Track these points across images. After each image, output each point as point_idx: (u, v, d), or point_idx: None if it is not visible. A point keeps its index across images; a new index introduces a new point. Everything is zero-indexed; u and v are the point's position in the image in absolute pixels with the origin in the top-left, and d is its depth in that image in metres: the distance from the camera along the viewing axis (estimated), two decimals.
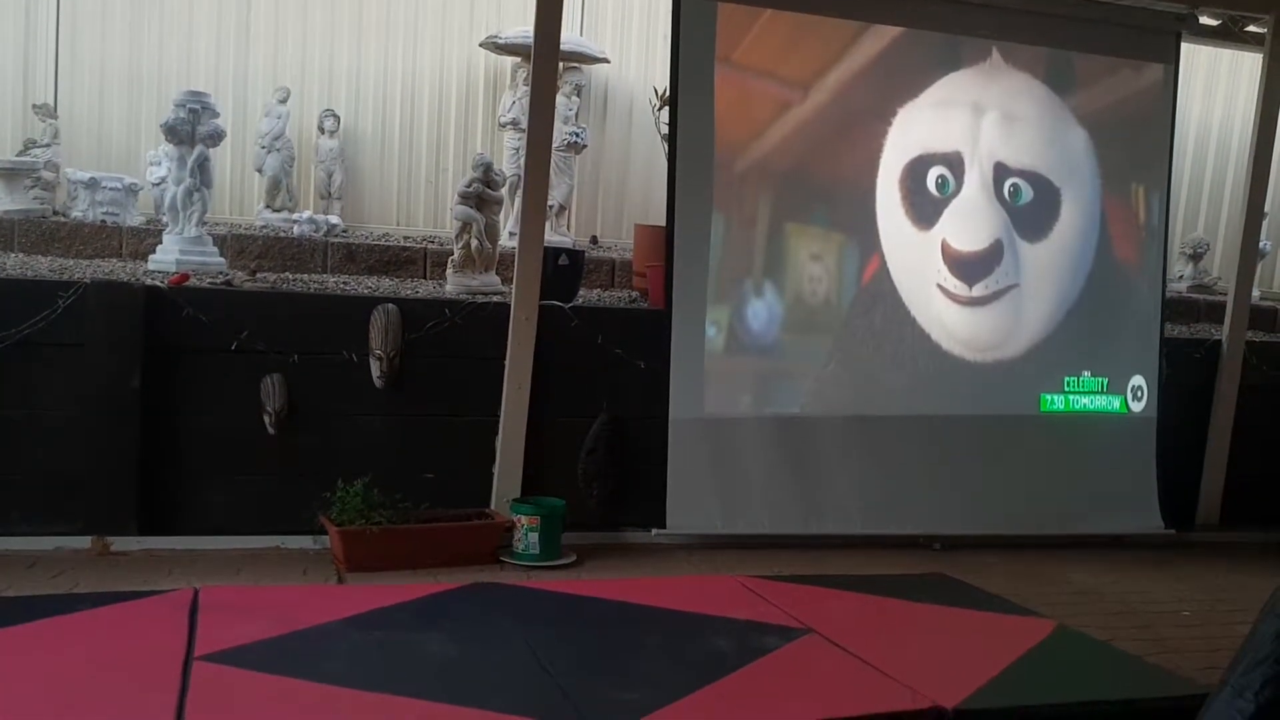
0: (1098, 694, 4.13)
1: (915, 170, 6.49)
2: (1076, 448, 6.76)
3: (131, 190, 7.30)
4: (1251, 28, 7.30)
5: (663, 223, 6.22)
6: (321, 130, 7.75)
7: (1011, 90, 6.70)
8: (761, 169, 6.30)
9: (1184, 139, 8.73)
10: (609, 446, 6.04)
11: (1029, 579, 5.81)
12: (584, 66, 8.13)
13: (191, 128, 6.15)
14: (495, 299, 6.12)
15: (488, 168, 6.39)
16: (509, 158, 7.70)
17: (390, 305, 5.76)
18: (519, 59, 7.77)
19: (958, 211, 6.56)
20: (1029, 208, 6.72)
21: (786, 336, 6.32)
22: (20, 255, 6.73)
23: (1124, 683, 4.36)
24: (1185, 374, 7.12)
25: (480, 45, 7.96)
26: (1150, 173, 7.07)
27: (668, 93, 6.30)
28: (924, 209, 6.51)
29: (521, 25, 7.35)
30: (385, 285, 6.65)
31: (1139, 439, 6.94)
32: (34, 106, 7.41)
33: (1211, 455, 7.21)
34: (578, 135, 7.78)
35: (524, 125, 6.52)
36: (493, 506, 5.81)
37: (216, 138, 6.29)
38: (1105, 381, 6.89)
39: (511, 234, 6.92)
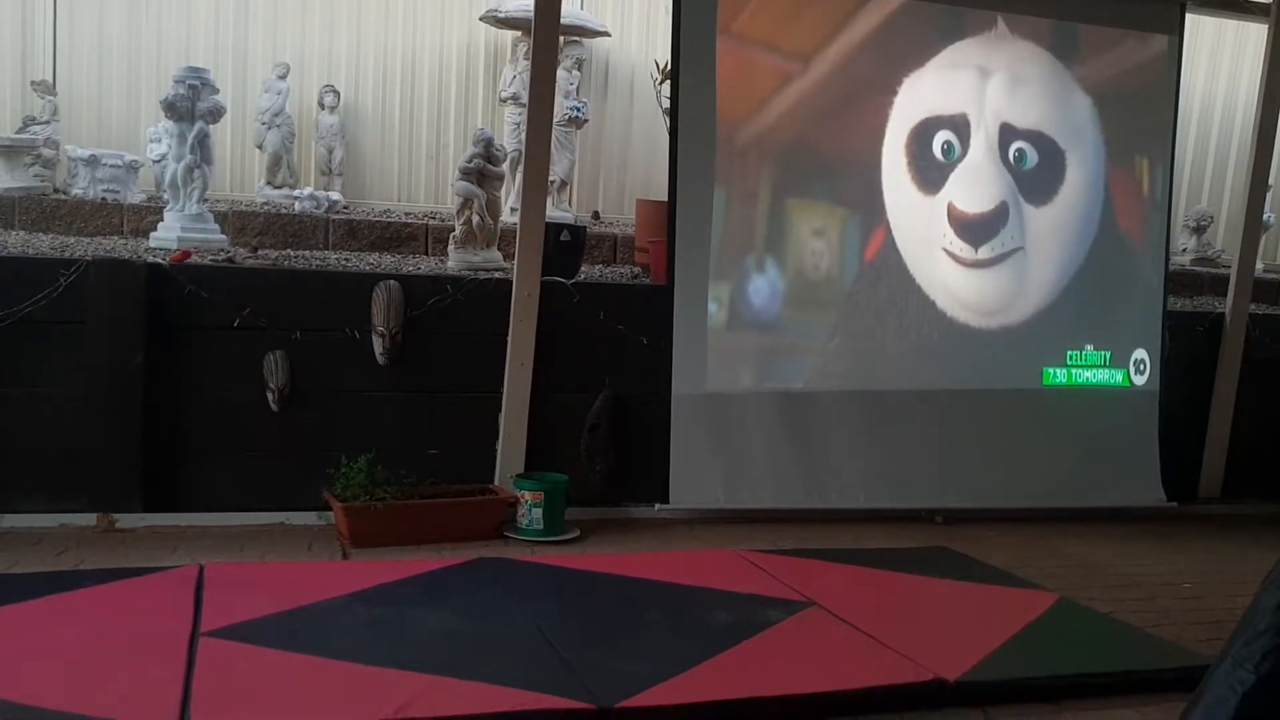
0: (1099, 666, 4.15)
1: (921, 135, 6.49)
2: (1079, 421, 6.76)
3: (132, 167, 7.28)
4: None
5: (664, 198, 6.20)
6: (322, 106, 7.73)
7: (1017, 57, 6.67)
8: (764, 142, 6.27)
9: (1188, 110, 8.69)
10: (611, 422, 6.05)
11: (1031, 552, 5.83)
12: (585, 40, 8.09)
13: (191, 104, 6.13)
14: (497, 275, 6.11)
15: (489, 143, 6.37)
16: (510, 133, 7.67)
17: (392, 282, 5.76)
18: (519, 33, 7.74)
19: (963, 175, 6.56)
20: (1034, 171, 6.71)
21: (789, 311, 6.31)
22: (21, 233, 6.72)
23: (1125, 655, 4.39)
24: (1188, 347, 7.12)
25: (480, 19, 7.92)
26: (1154, 144, 7.04)
27: (669, 66, 6.26)
28: (930, 174, 6.50)
29: None
30: (387, 261, 6.64)
31: (1141, 412, 6.94)
32: (33, 83, 7.38)
33: (1214, 428, 7.22)
34: (579, 110, 7.74)
35: (525, 100, 6.49)
36: (496, 482, 5.82)
37: (216, 114, 6.27)
38: (1108, 355, 6.89)
39: (513, 210, 6.90)
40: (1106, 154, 6.91)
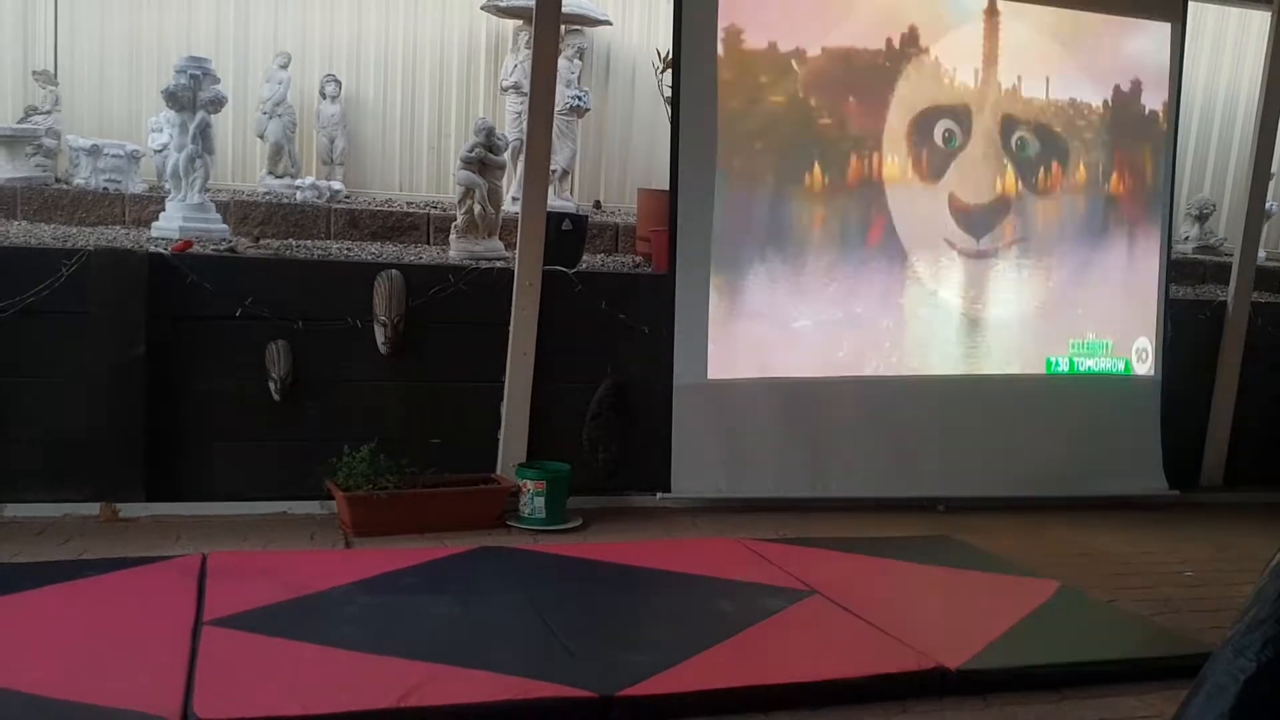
0: (1101, 654, 4.16)
1: (922, 124, 6.49)
2: (1081, 409, 6.76)
3: (134, 157, 7.27)
4: None
5: (666, 187, 6.19)
6: (323, 95, 7.71)
7: (1019, 45, 6.65)
8: (765, 131, 6.26)
9: (1191, 98, 8.65)
10: (614, 411, 6.05)
11: (1033, 540, 5.83)
12: (586, 29, 8.06)
13: (193, 94, 6.12)
14: (499, 264, 6.11)
15: (490, 132, 6.36)
16: (511, 122, 7.65)
17: (394, 271, 5.76)
18: (521, 22, 7.71)
19: (965, 164, 6.56)
20: (1036, 160, 6.72)
21: (790, 300, 6.30)
22: (23, 223, 6.72)
23: (1127, 643, 4.40)
24: (1190, 335, 7.11)
25: (482, 8, 7.89)
26: (1156, 132, 7.03)
27: (670, 55, 6.25)
28: (931, 163, 6.51)
29: None
30: (389, 251, 6.64)
31: (1144, 400, 6.94)
32: (34, 73, 7.36)
33: (1216, 416, 7.21)
34: (580, 99, 7.73)
35: (526, 89, 6.47)
36: (498, 471, 5.83)
37: (218, 104, 6.26)
38: (1110, 343, 6.89)
39: (514, 199, 6.89)
40: (1108, 142, 6.90)
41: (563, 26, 6.75)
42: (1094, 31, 6.83)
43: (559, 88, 6.60)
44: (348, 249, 6.63)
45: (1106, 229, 6.89)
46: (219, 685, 3.36)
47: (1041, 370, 6.75)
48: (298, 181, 7.38)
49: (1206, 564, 5.60)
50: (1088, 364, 6.84)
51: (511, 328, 5.83)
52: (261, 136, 7.57)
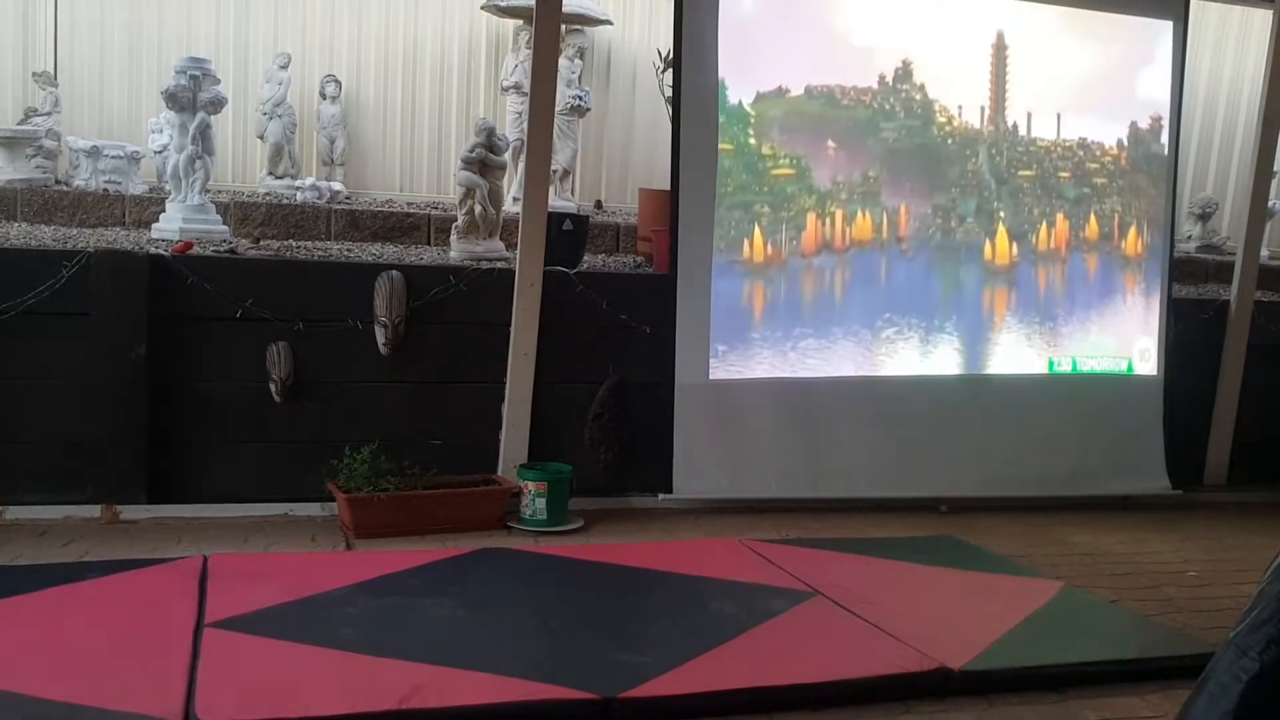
0: (1104, 654, 4.15)
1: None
2: (1084, 409, 6.75)
3: (134, 158, 7.27)
4: None
5: (667, 187, 6.18)
6: (323, 96, 7.71)
7: (1024, 44, 6.63)
8: (767, 130, 6.25)
9: (1193, 97, 8.64)
10: (615, 412, 6.04)
11: (1036, 540, 5.82)
12: (587, 29, 8.06)
13: (192, 94, 6.12)
14: (500, 265, 6.10)
15: (490, 132, 6.36)
16: (512, 122, 7.65)
17: (394, 272, 5.75)
18: (521, 22, 7.71)
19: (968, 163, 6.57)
20: (1039, 158, 6.73)
21: (792, 300, 6.28)
22: (23, 224, 6.72)
23: (1130, 643, 4.39)
24: (1193, 334, 7.10)
25: (482, 8, 7.89)
26: (1159, 130, 7.01)
27: (671, 55, 6.24)
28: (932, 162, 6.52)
29: None
30: (389, 252, 6.63)
31: (1146, 400, 6.92)
32: (34, 75, 7.37)
33: (1219, 416, 7.20)
34: (581, 99, 7.72)
35: (527, 89, 6.47)
36: (500, 472, 5.82)
37: (218, 104, 6.25)
38: (1113, 343, 6.87)
39: (515, 199, 6.89)
40: (1111, 140, 6.88)
41: (563, 26, 6.74)
42: (1097, 29, 6.80)
43: (560, 87, 6.60)
44: (348, 250, 6.63)
45: (1109, 227, 6.88)
46: (220, 687, 3.36)
47: (1044, 370, 6.74)
48: (298, 182, 7.38)
49: (1209, 564, 5.59)
50: (1090, 364, 6.83)
51: (512, 328, 5.83)
52: (262, 137, 7.57)
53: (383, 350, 5.70)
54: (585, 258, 6.53)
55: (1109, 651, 4.20)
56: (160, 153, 6.97)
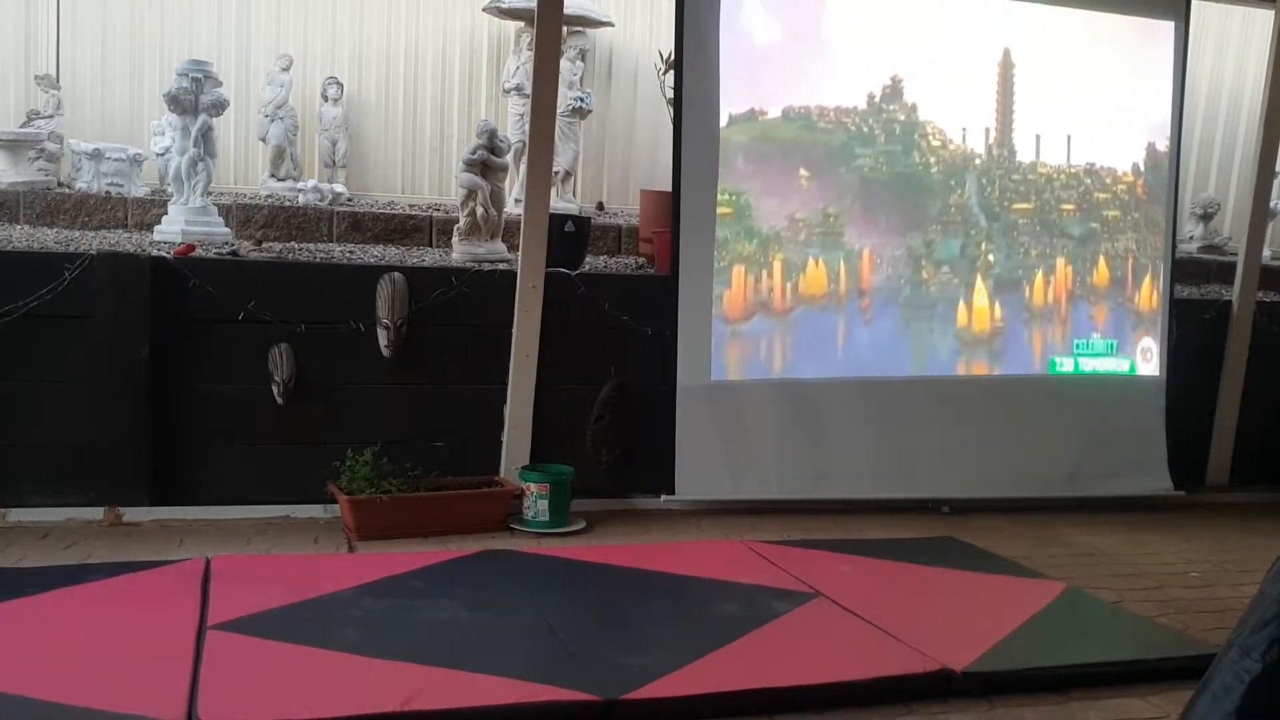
0: (1106, 655, 4.15)
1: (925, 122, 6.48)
2: (1086, 410, 6.75)
3: (136, 161, 7.27)
4: None
5: (668, 188, 6.18)
6: (325, 98, 7.71)
7: (1025, 45, 6.62)
8: (768, 132, 6.25)
9: (1195, 97, 8.63)
10: (617, 413, 6.04)
11: (1038, 541, 5.82)
12: (588, 30, 8.05)
13: (194, 97, 6.12)
14: (501, 267, 6.10)
15: (492, 134, 6.36)
16: (513, 124, 7.64)
17: (396, 274, 5.75)
18: (523, 23, 7.71)
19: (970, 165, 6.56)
20: (1042, 159, 6.70)
21: (794, 301, 6.29)
22: (26, 227, 6.73)
23: (1133, 644, 4.39)
24: (1195, 335, 7.10)
25: (483, 10, 7.89)
26: (1160, 131, 7.01)
27: (672, 56, 6.24)
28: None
29: None
30: (391, 254, 6.63)
31: (1149, 401, 6.92)
32: (36, 77, 7.37)
33: (1221, 416, 7.19)
34: (582, 100, 7.72)
35: (528, 91, 6.47)
36: (502, 474, 5.82)
37: (220, 107, 6.25)
38: (1114, 343, 6.87)
39: (517, 201, 6.88)
40: (1113, 141, 6.88)
41: (565, 28, 6.74)
42: (1099, 30, 6.78)
43: (561, 89, 6.60)
44: (350, 252, 6.63)
45: (1111, 228, 6.86)
46: (223, 689, 3.36)
47: (1046, 371, 6.74)
48: (300, 184, 7.38)
49: (1212, 564, 5.59)
50: (1092, 364, 6.82)
51: (514, 330, 5.83)
52: (263, 139, 7.57)
53: (385, 352, 5.70)
54: (587, 259, 6.53)
55: (1111, 653, 4.20)
56: (162, 155, 6.97)
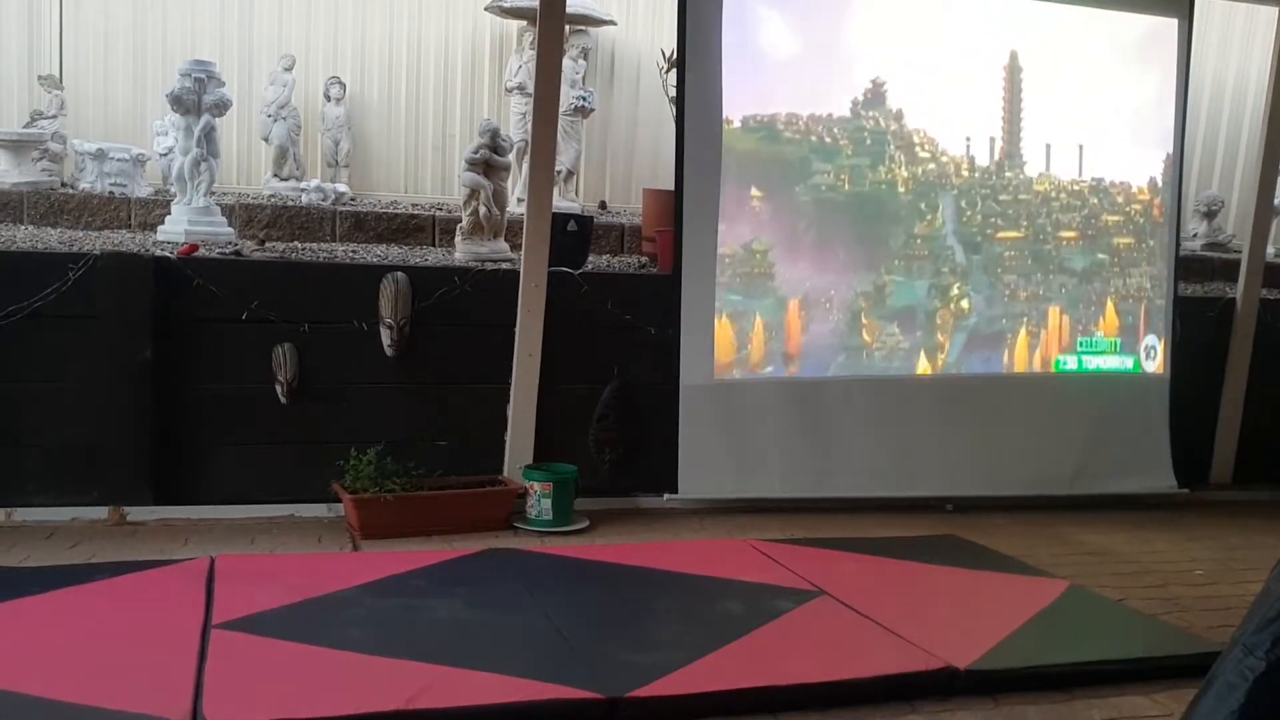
0: (1110, 653, 4.14)
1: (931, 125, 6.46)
2: (1089, 408, 6.74)
3: (139, 161, 7.28)
4: None
5: (671, 187, 6.18)
6: (328, 98, 7.72)
7: (1027, 43, 6.61)
8: (771, 132, 6.24)
9: (1198, 94, 8.63)
10: (620, 412, 6.04)
11: (1041, 540, 5.82)
12: (591, 29, 8.06)
13: (197, 97, 6.12)
14: (504, 266, 6.11)
15: (494, 133, 6.36)
16: (516, 123, 7.65)
17: (399, 273, 5.76)
18: (525, 22, 7.71)
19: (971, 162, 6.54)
20: (1045, 158, 6.69)
21: (797, 299, 6.29)
22: (29, 227, 6.74)
23: (1137, 642, 4.39)
24: (1199, 333, 7.09)
25: (485, 9, 7.90)
26: (1164, 128, 7.00)
27: (675, 55, 6.24)
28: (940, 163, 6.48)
29: None
30: (394, 253, 6.64)
31: (1152, 398, 6.91)
32: (40, 78, 7.38)
33: (1225, 414, 7.19)
34: (585, 99, 7.72)
35: (530, 90, 6.47)
36: (505, 473, 5.83)
37: (222, 107, 6.26)
38: (1118, 341, 6.86)
39: (519, 200, 6.89)
40: (1116, 138, 6.87)
41: (567, 27, 6.74)
42: (1102, 27, 6.77)
43: (563, 88, 6.60)
44: (353, 251, 6.64)
45: (1114, 226, 6.86)
46: (228, 688, 3.36)
47: (1050, 369, 6.73)
48: (303, 184, 7.39)
49: (1216, 562, 5.58)
50: (1096, 362, 6.82)
51: (517, 329, 5.83)
52: (266, 139, 7.58)
53: (388, 351, 5.71)
54: (590, 258, 6.53)
55: (1115, 651, 4.19)
56: (165, 155, 6.99)
